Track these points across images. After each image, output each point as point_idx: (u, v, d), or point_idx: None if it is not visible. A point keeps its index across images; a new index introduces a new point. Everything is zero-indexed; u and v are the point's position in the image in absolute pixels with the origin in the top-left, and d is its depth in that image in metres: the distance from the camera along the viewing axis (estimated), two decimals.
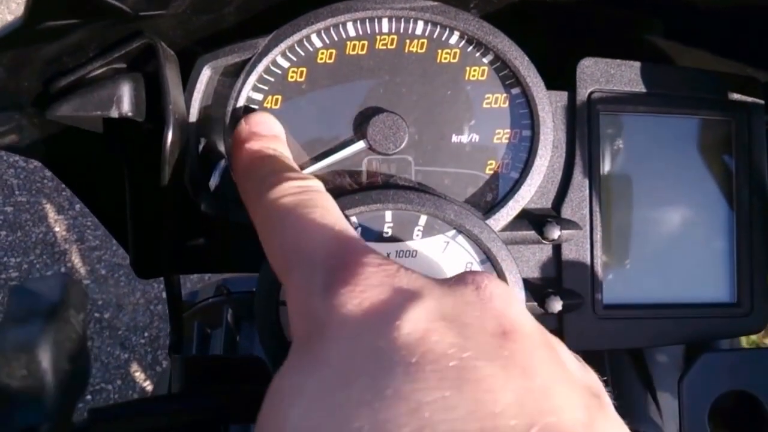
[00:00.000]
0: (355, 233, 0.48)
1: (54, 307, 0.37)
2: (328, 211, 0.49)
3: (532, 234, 0.67)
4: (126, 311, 2.90)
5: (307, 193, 0.51)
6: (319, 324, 0.41)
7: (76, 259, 2.97)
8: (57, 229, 3.00)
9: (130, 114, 0.58)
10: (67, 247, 2.98)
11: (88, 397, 2.74)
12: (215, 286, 1.44)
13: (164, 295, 2.44)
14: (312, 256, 0.45)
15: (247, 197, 0.55)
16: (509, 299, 0.43)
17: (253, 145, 0.58)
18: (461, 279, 0.44)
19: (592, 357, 0.89)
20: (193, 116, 0.63)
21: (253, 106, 0.64)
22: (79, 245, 2.99)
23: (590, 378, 0.44)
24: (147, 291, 2.87)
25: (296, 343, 0.43)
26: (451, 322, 0.39)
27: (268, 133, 0.60)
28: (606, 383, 0.46)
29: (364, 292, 0.41)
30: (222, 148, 0.64)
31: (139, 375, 2.83)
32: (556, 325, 0.69)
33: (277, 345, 0.59)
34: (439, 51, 0.65)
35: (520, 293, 0.62)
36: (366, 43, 0.65)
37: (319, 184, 0.53)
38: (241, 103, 0.64)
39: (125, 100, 0.58)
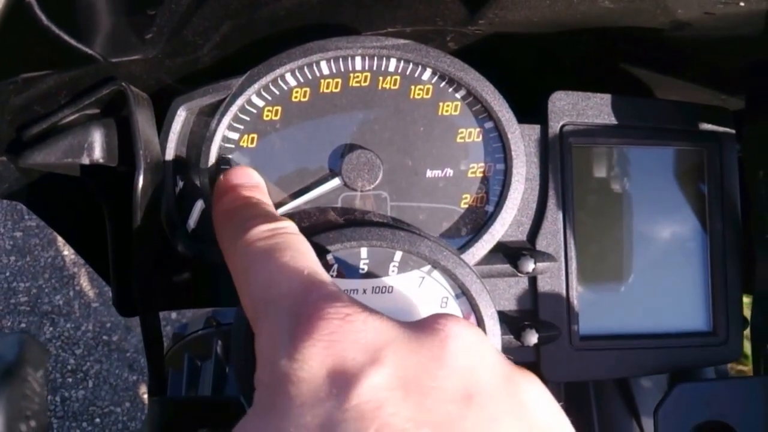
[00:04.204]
0: (325, 277, 0.48)
1: (9, 366, 0.37)
2: (298, 254, 0.49)
3: (507, 267, 0.68)
4: (134, 333, 2.90)
5: (278, 237, 0.51)
6: (282, 378, 0.41)
7: (84, 283, 2.98)
8: (66, 253, 3.02)
9: (101, 160, 0.59)
10: (76, 271, 2.99)
11: (97, 420, 2.75)
12: (205, 318, 1.44)
13: (173, 315, 2.43)
14: (279, 305, 0.45)
15: (223, 245, 0.55)
16: (478, 350, 0.42)
17: (231, 195, 0.58)
18: (430, 327, 0.43)
19: (576, 384, 0.89)
20: (169, 157, 0.64)
21: (229, 145, 0.65)
22: (88, 269, 3.00)
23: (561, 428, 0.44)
24: None
25: (259, 394, 0.43)
26: (412, 388, 0.39)
27: (247, 183, 0.60)
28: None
29: (326, 348, 0.40)
30: (199, 188, 0.65)
31: (147, 397, 2.83)
32: (533, 358, 0.69)
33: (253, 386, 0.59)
34: (412, 87, 0.66)
35: (495, 327, 0.62)
36: (340, 80, 0.65)
37: (291, 226, 0.53)
38: (217, 142, 0.64)
39: (96, 147, 0.59)
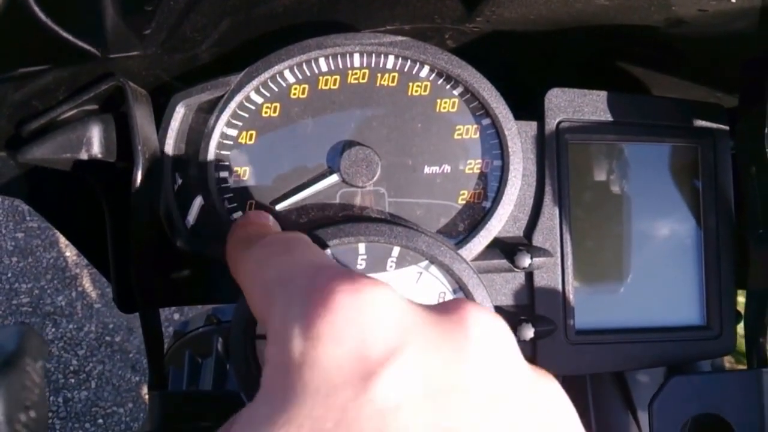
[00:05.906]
0: (336, 263, 0.48)
1: (8, 357, 0.38)
2: (310, 249, 0.49)
3: (503, 262, 0.68)
4: (136, 334, 2.90)
5: (290, 241, 0.50)
6: (295, 360, 0.38)
7: (86, 284, 2.98)
8: (68, 254, 3.02)
9: (99, 155, 0.59)
10: (78, 272, 2.99)
11: (100, 420, 2.75)
12: (205, 315, 1.45)
13: (176, 316, 2.42)
14: (292, 285, 0.43)
15: (233, 259, 0.53)
16: (502, 344, 0.40)
17: (246, 224, 0.58)
18: (454, 314, 0.40)
19: (573, 378, 0.89)
20: (168, 153, 0.64)
21: (228, 142, 0.65)
22: (90, 269, 3.00)
23: None
24: None
25: (268, 379, 0.40)
26: (433, 389, 0.36)
27: (261, 221, 0.60)
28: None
29: (345, 325, 0.37)
30: (198, 184, 0.65)
31: (147, 392, 2.82)
32: (529, 353, 0.69)
33: (253, 382, 0.58)
34: (410, 84, 0.66)
35: None
36: (338, 77, 0.66)
37: (303, 236, 0.52)
38: (215, 139, 0.65)
39: (95, 142, 0.59)
